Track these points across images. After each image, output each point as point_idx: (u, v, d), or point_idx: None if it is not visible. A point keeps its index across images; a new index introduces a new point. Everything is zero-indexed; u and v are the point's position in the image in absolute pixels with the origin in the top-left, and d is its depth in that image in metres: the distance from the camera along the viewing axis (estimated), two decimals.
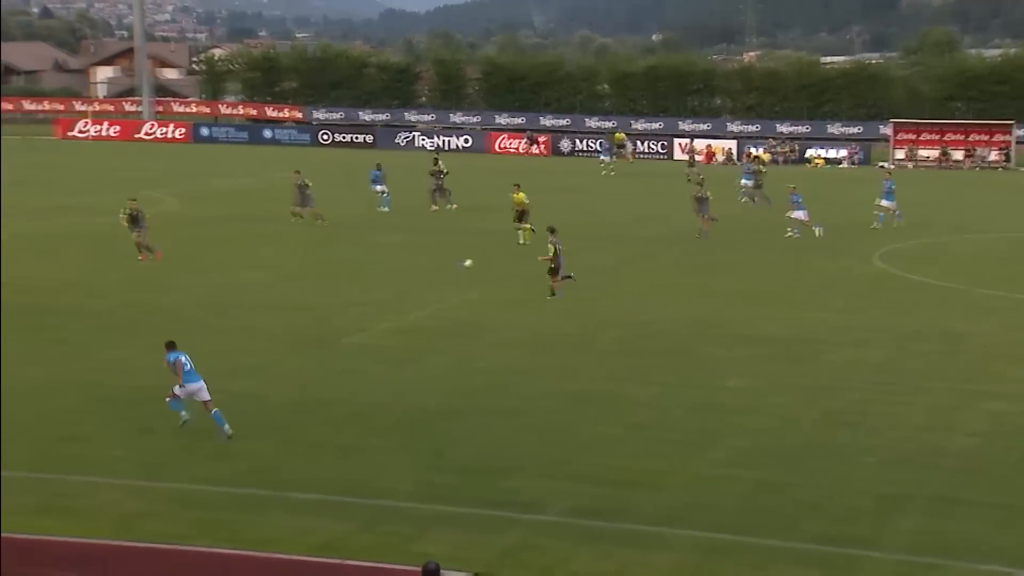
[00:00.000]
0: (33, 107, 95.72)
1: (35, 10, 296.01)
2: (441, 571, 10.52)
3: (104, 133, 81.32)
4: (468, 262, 29.67)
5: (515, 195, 37.99)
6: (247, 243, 37.34)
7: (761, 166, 51.87)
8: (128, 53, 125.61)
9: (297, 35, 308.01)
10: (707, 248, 37.27)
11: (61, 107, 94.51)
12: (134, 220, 33.31)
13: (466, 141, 79.74)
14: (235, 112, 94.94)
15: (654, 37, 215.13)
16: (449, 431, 18.68)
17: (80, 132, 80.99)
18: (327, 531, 14.59)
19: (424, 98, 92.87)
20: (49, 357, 22.30)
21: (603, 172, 62.17)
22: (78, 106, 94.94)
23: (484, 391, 20.91)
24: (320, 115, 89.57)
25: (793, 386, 21.58)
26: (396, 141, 79.55)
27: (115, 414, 18.87)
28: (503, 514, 15.24)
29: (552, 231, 29.35)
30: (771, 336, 25.55)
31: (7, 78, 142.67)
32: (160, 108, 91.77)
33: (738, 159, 71.76)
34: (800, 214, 39.69)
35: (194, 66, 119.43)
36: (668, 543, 14.51)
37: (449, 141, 79.57)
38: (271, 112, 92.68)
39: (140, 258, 32.90)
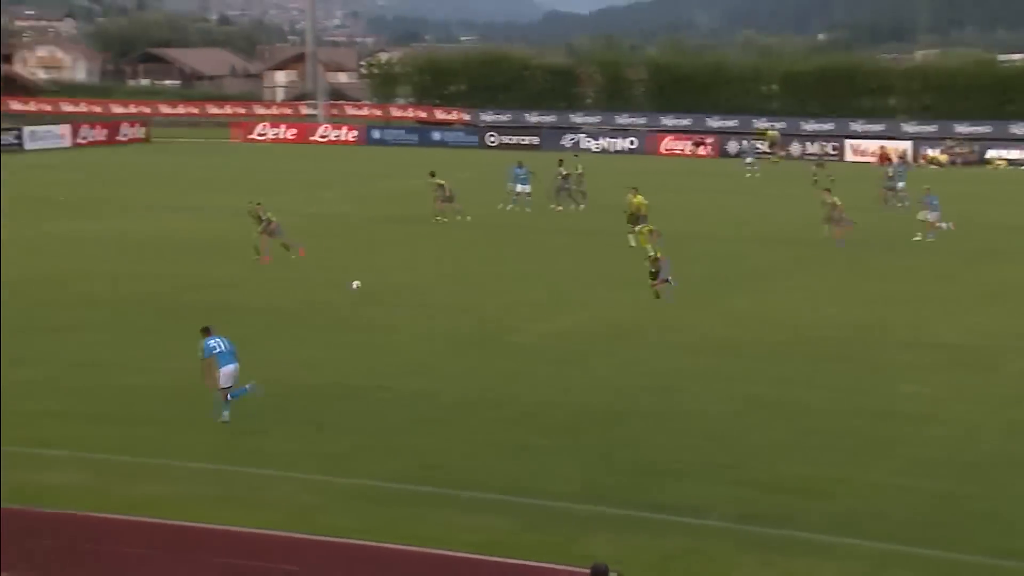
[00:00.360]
0: (216, 111, 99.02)
1: (213, 17, 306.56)
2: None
3: (281, 136, 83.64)
4: (356, 284, 28.36)
5: (633, 198, 37.44)
6: (413, 243, 37.94)
7: (890, 168, 50.38)
8: (301, 58, 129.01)
9: (461, 38, 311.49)
10: (867, 252, 36.28)
11: (243, 111, 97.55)
12: (261, 221, 33.41)
13: (632, 143, 79.47)
14: (405, 115, 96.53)
15: (820, 36, 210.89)
16: (615, 433, 18.68)
17: (259, 135, 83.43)
18: (493, 529, 14.76)
19: (590, 100, 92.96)
20: None
21: (747, 175, 61.04)
22: (257, 110, 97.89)
23: (650, 393, 20.84)
24: (487, 117, 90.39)
25: (973, 394, 20.93)
26: (562, 143, 79.72)
27: (290, 409, 19.41)
28: (667, 518, 15.18)
29: (653, 232, 29.34)
30: (945, 342, 24.83)
31: (192, 82, 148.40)
32: (334, 111, 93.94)
33: (913, 160, 69.78)
34: (932, 215, 38.50)
35: (363, 69, 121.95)
36: (836, 552, 14.25)
37: (615, 143, 79.49)
38: (440, 115, 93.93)
39: (263, 259, 32.77)
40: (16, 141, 71.17)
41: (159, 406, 19.38)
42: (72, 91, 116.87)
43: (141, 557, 13.88)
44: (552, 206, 44.59)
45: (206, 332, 19.12)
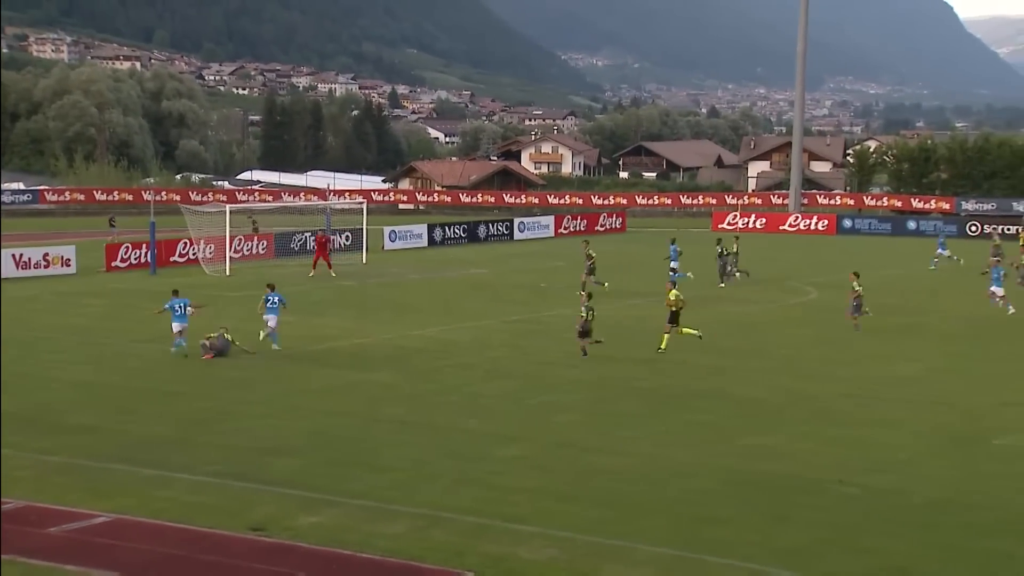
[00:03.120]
0: (688, 201, 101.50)
1: (703, 111, 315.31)
2: None
3: (751, 225, 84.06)
4: None
5: (669, 292, 33.36)
6: (889, 335, 36.77)
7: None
8: (783, 148, 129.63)
9: (956, 125, 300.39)
10: None
11: (714, 201, 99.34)
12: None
13: None
14: (879, 204, 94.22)
15: None
16: None
17: (728, 225, 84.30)
18: None
19: None
20: (696, 439, 23.30)
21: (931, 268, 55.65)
22: (729, 200, 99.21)
23: None
24: (969, 206, 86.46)
25: None
26: None
27: (751, 499, 19.28)
28: None
29: (589, 295, 32.24)
30: None
31: (669, 174, 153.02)
32: (805, 201, 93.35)
33: None
34: (994, 289, 40.57)
35: (848, 158, 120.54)
36: None
37: None
38: (917, 203, 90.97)
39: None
40: (507, 232, 76.42)
41: (624, 489, 19.84)
42: (559, 184, 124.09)
43: None
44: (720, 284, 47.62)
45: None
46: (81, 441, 22.52)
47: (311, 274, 51.28)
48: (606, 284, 45.30)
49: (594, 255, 46.73)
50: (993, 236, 62.07)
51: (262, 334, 32.57)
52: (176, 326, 31.33)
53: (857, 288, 36.72)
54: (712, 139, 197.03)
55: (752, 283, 49.48)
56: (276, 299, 32.35)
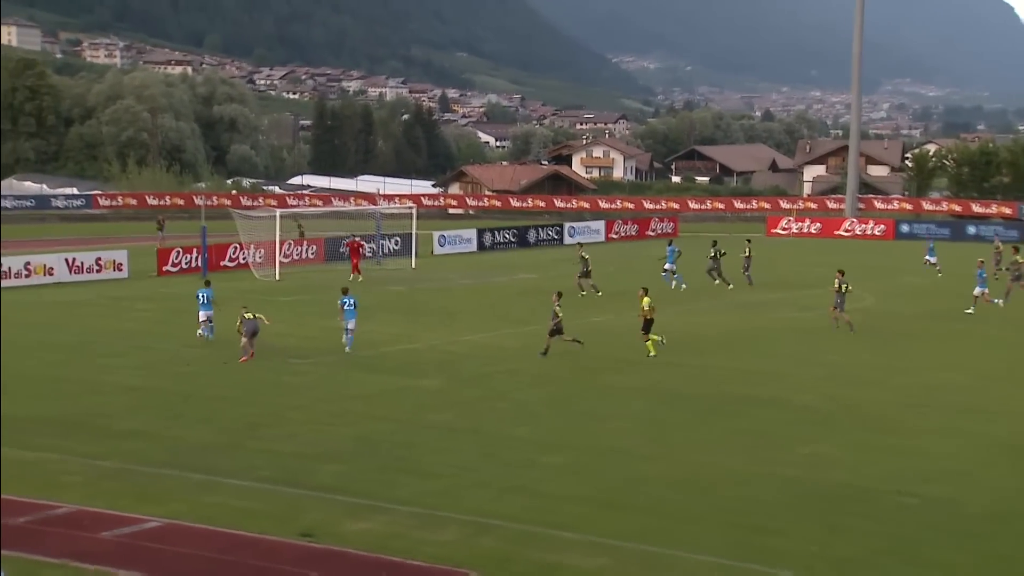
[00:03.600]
0: (742, 206, 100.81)
1: (757, 114, 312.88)
2: None
3: (805, 230, 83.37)
4: None
5: (643, 299, 32.86)
6: (946, 341, 36.26)
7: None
8: (839, 152, 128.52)
9: (1019, 128, 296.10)
10: None
11: (768, 206, 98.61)
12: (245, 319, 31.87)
13: None
14: (938, 209, 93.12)
15: None
16: None
17: (783, 229, 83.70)
18: None
19: None
20: (747, 446, 23.01)
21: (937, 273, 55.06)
22: (783, 204, 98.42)
23: None
24: None
25: None
26: None
27: (804, 508, 18.99)
28: None
29: (559, 295, 32.99)
30: None
31: (722, 178, 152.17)
32: (862, 205, 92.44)
33: None
34: (977, 290, 41.29)
35: (906, 163, 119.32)
36: None
37: None
38: (977, 208, 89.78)
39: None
40: (557, 236, 76.28)
41: (674, 497, 19.60)
42: (610, 188, 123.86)
43: None
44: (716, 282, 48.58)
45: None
46: (132, 446, 22.61)
47: (360, 279, 51.45)
48: (584, 293, 45.92)
49: (587, 257, 47.14)
50: (995, 240, 60.94)
51: (347, 348, 32.73)
52: (202, 314, 34.25)
53: (836, 286, 36.85)
54: (766, 143, 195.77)
55: (805, 288, 49.02)
56: (351, 302, 32.89)
